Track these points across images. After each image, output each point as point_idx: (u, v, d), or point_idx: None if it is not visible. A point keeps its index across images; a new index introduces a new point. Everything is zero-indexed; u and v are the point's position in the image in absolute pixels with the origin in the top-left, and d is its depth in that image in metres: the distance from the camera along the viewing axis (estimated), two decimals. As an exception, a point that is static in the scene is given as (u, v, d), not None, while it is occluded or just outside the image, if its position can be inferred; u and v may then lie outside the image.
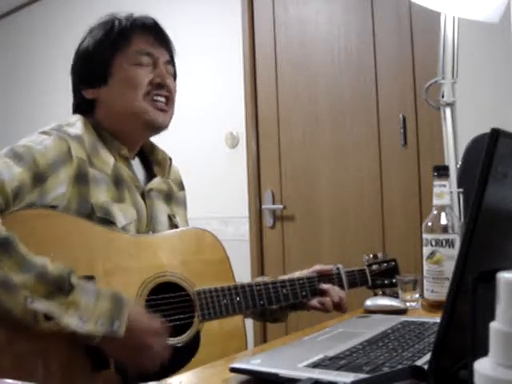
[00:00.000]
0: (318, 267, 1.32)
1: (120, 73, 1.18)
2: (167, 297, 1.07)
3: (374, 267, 1.39)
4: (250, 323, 2.68)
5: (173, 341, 1.04)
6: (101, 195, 1.09)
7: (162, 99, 1.20)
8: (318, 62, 2.69)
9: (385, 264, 1.41)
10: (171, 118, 1.23)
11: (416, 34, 2.36)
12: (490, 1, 1.44)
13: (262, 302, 1.18)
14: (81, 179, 1.07)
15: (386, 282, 1.39)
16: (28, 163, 1.00)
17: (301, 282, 1.25)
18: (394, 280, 1.38)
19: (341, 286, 1.32)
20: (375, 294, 1.37)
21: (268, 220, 2.86)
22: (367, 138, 2.52)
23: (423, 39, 2.32)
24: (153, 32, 1.22)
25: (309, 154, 2.71)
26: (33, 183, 0.99)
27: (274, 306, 1.25)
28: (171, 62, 1.25)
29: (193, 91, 3.05)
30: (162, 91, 1.19)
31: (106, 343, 0.94)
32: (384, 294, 1.36)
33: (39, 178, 1.00)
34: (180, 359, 1.04)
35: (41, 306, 0.89)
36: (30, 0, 4.04)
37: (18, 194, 0.96)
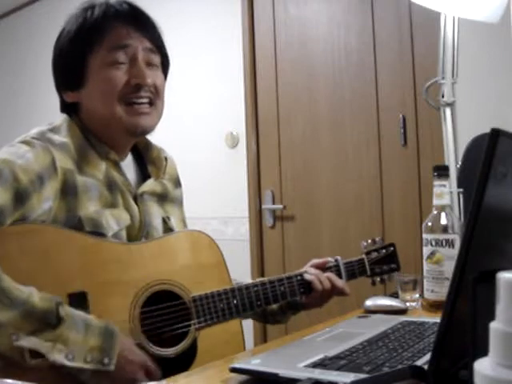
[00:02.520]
0: (315, 261, 1.30)
1: (95, 74, 1.08)
2: (162, 306, 1.05)
3: (373, 255, 1.36)
4: (249, 323, 2.68)
5: (166, 352, 1.02)
6: (91, 205, 1.03)
7: (144, 100, 1.10)
8: (317, 62, 2.69)
9: (383, 250, 1.38)
10: (159, 116, 1.14)
11: (416, 34, 2.36)
12: (490, 1, 1.44)
13: (259, 303, 1.15)
14: (68, 191, 1.01)
15: (385, 268, 1.36)
16: (8, 181, 0.93)
17: (298, 278, 1.23)
18: (392, 265, 1.36)
19: (340, 278, 1.29)
20: (373, 283, 1.37)
21: (268, 220, 2.86)
22: (367, 138, 2.52)
23: (423, 39, 2.32)
24: (129, 19, 1.10)
25: (309, 154, 2.71)
26: (14, 204, 0.92)
27: (273, 305, 1.23)
28: (156, 49, 1.13)
29: (193, 91, 3.06)
30: (142, 93, 1.09)
31: (95, 377, 0.91)
32: (382, 282, 1.35)
33: (21, 196, 0.94)
34: (177, 368, 1.00)
35: (27, 342, 0.85)
36: (30, 0, 4.04)
37: None
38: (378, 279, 1.37)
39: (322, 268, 1.28)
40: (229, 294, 1.11)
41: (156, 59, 1.13)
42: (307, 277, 1.24)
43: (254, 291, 1.15)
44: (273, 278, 1.20)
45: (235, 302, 1.11)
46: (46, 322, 0.87)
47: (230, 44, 2.97)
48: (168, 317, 1.05)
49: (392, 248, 1.39)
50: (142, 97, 1.09)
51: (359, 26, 2.55)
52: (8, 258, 0.90)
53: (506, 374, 0.36)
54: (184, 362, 1.04)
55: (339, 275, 1.29)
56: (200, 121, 3.08)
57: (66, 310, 0.90)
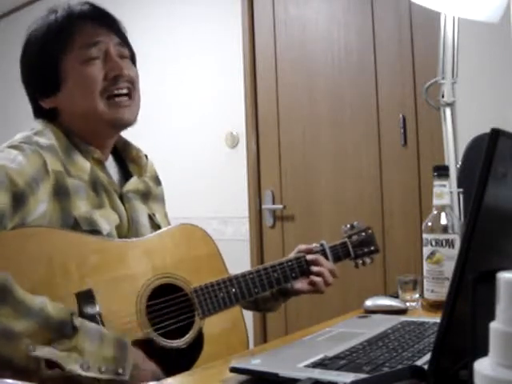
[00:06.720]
0: (301, 247, 1.34)
1: (71, 75, 1.09)
2: (166, 299, 1.06)
3: (354, 238, 1.41)
4: (249, 323, 2.68)
5: (177, 343, 1.04)
6: (82, 205, 1.04)
7: (124, 91, 1.11)
8: (318, 62, 2.69)
9: (363, 233, 1.43)
10: (138, 109, 1.16)
11: (416, 34, 2.36)
12: (490, 1, 1.44)
13: (256, 290, 1.19)
14: (60, 193, 1.02)
15: (365, 250, 1.41)
16: (5, 184, 0.92)
17: (289, 263, 1.27)
18: (372, 248, 1.41)
19: None
20: (356, 265, 1.41)
21: (268, 220, 2.86)
22: (367, 138, 2.51)
23: (423, 39, 2.32)
24: (95, 18, 1.12)
25: (309, 153, 2.71)
26: (14, 206, 0.93)
27: (268, 291, 1.25)
28: (123, 43, 1.15)
29: (193, 91, 3.06)
30: (121, 84, 1.11)
31: None
32: (364, 264, 1.40)
33: (19, 199, 0.94)
34: (186, 360, 1.03)
35: (43, 353, 0.85)
36: (30, 0, 4.04)
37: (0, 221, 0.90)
38: (360, 262, 1.41)
39: (309, 253, 1.32)
40: (227, 283, 1.14)
41: (126, 52, 1.16)
42: (310, 257, 1.29)
43: (250, 278, 1.18)
44: (266, 264, 1.24)
45: (234, 290, 1.14)
46: (62, 331, 0.87)
47: (230, 44, 2.97)
48: (173, 309, 1.06)
49: (370, 231, 1.44)
50: (121, 88, 1.11)
51: (359, 26, 2.55)
52: (13, 262, 0.90)
53: (506, 374, 0.36)
54: (192, 352, 1.05)
55: (326, 259, 1.34)
56: (200, 121, 3.08)
57: (80, 321, 0.90)
